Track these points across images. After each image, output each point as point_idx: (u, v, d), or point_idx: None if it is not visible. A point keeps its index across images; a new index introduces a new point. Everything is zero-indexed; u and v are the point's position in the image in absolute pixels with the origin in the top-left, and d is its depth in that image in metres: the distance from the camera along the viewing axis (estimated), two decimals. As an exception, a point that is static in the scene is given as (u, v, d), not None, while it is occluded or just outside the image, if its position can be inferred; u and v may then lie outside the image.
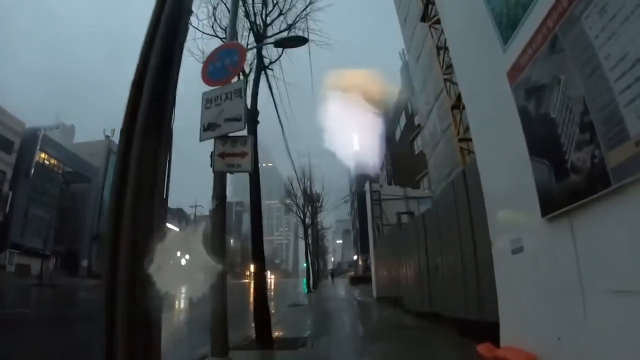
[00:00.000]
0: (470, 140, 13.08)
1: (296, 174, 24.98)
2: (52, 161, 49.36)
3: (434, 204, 8.30)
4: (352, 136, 68.01)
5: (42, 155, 47.66)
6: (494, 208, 4.61)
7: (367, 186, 20.84)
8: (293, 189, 29.79)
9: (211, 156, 5.01)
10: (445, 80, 14.26)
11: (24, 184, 44.08)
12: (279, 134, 17.65)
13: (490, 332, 4.63)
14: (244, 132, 5.13)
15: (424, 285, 9.14)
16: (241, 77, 6.57)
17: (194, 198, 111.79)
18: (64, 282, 36.48)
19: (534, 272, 3.75)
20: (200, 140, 5.01)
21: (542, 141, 3.34)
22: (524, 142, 3.60)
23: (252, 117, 7.72)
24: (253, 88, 8.13)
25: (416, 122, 32.72)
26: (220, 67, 5.39)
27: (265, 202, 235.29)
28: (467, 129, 12.81)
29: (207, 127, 5.00)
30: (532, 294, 3.79)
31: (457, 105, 13.28)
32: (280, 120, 12.10)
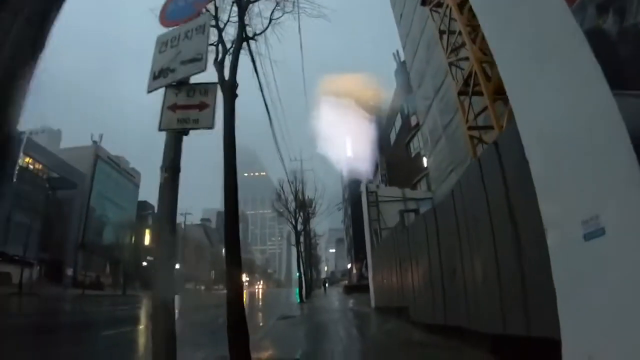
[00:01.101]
0: (482, 128, 11.96)
1: (287, 175, 23.61)
2: (37, 166, 47.61)
3: (449, 194, 6.94)
4: (345, 142, 67.07)
5: (27, 159, 45.94)
6: (547, 180, 3.21)
7: (362, 187, 19.45)
8: (284, 192, 28.46)
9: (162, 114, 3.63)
10: (451, 64, 13.02)
11: (6, 189, 42.33)
12: (270, 142, 16.74)
13: (539, 350, 3.26)
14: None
15: (436, 293, 7.75)
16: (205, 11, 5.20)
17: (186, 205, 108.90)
18: (46, 291, 34.89)
19: (622, 263, 2.38)
20: (148, 91, 3.67)
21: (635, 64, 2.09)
22: (597, 75, 2.62)
23: (230, 88, 6.41)
24: (232, 60, 6.83)
25: (412, 123, 31.54)
26: (183, 5, 4.14)
27: (258, 212, 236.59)
28: (477, 115, 11.59)
29: (159, 74, 3.67)
30: (619, 296, 2.42)
31: (465, 91, 12.04)
32: (266, 105, 10.73)
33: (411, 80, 21.39)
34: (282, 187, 28.57)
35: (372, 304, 16.59)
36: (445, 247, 7.37)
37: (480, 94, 11.23)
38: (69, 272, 48.46)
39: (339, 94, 77.12)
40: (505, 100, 10.23)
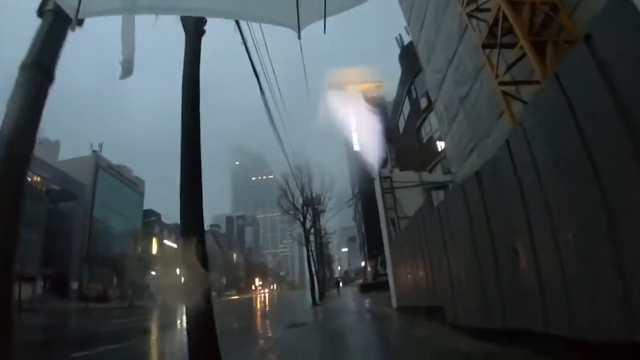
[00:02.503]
0: (517, 83, 9.99)
1: (291, 168, 21.48)
2: (36, 178, 46.06)
3: (503, 145, 4.88)
4: (351, 136, 65.07)
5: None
6: None
7: (375, 173, 17.41)
8: (289, 188, 26.32)
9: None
10: (470, 15, 11.04)
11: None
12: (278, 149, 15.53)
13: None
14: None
15: (489, 287, 5.75)
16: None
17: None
18: (48, 306, 33.53)
19: None
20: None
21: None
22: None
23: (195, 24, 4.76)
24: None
25: (422, 106, 29.61)
26: None
27: (268, 215, 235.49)
28: (511, 67, 9.54)
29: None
30: None
31: (489, 43, 10.05)
32: (256, 74, 8.88)
33: (419, 55, 19.51)
34: (287, 183, 26.51)
35: (394, 303, 14.53)
36: (499, 221, 5.36)
37: (508, 46, 9.46)
38: (74, 285, 47.13)
39: (343, 88, 75.39)
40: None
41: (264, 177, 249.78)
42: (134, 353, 9.46)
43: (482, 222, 5.84)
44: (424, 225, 9.11)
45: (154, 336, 13.10)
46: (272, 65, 13.52)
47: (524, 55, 9.10)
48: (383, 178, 16.45)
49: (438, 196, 10.52)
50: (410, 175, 17.24)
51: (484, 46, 10.42)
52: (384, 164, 42.71)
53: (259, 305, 34.45)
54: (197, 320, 4.36)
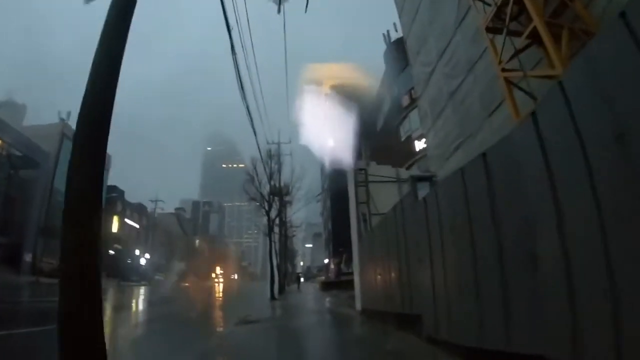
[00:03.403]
0: (516, 72, 9.00)
1: (260, 153, 19.99)
2: (-1, 142, 43.26)
3: (530, 120, 3.71)
4: (325, 130, 63.93)
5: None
6: None
7: (349, 164, 16.19)
8: (257, 174, 24.79)
9: None
10: (474, -1, 10.00)
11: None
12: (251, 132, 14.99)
13: None
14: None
15: (489, 298, 4.60)
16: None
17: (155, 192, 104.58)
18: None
19: None
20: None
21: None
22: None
23: None
24: None
25: (404, 103, 28.75)
26: None
27: (235, 204, 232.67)
28: (518, 53, 8.46)
29: None
30: None
31: (495, 27, 9.02)
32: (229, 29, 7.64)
33: (408, 49, 18.65)
34: (255, 168, 24.96)
35: (358, 305, 13.33)
36: (511, 215, 4.21)
37: (514, 33, 8.48)
38: (28, 257, 44.40)
39: (322, 81, 74.31)
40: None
41: (235, 166, 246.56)
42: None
43: (485, 216, 4.67)
44: (404, 220, 7.93)
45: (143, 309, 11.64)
46: (252, 41, 12.68)
47: (531, 43, 8.18)
48: (358, 170, 15.27)
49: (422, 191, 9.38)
50: (387, 170, 16.12)
51: (488, 30, 9.40)
52: (357, 160, 41.72)
53: (215, 294, 33.00)
54: (75, 316, 3.02)
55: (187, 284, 64.26)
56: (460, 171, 5.55)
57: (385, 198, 14.69)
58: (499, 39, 8.94)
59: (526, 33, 7.89)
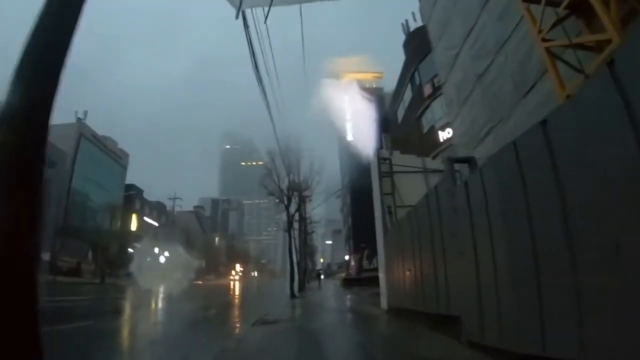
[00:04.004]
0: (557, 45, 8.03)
1: (278, 143, 19.07)
2: (13, 142, 43.29)
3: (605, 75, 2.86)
4: (345, 125, 63.01)
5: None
6: None
7: (373, 153, 15.24)
8: (275, 168, 23.88)
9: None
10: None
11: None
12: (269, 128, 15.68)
13: None
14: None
15: (555, 297, 3.74)
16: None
17: (174, 190, 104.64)
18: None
19: None
20: None
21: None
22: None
23: None
24: None
25: (426, 93, 27.67)
26: None
27: (254, 202, 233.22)
28: (561, 21, 7.46)
29: None
30: None
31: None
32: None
33: (430, 33, 17.72)
34: (273, 161, 24.03)
35: (384, 303, 12.43)
36: (584, 198, 3.33)
37: (553, 3, 7.55)
38: (46, 257, 44.42)
39: (341, 76, 73.45)
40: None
41: (253, 163, 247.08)
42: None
43: (549, 198, 3.78)
44: (439, 209, 7.02)
45: (109, 319, 10.96)
46: (270, 42, 12.21)
47: (569, 14, 7.28)
48: (381, 159, 14.34)
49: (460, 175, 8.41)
50: (412, 160, 15.15)
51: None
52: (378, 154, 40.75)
53: (233, 293, 32.38)
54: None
55: (206, 282, 64.04)
56: (512, 145, 4.64)
57: (412, 189, 13.80)
58: (535, 9, 8.03)
59: (567, 1, 6.96)
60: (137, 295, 24.29)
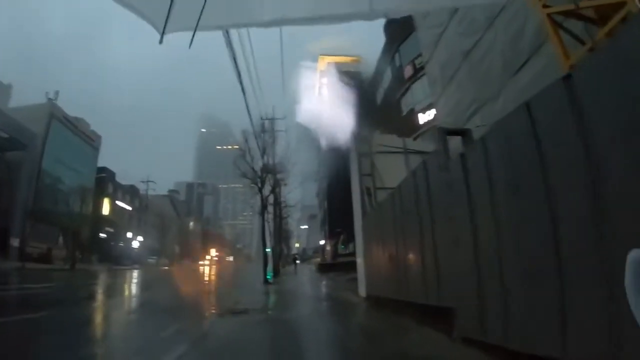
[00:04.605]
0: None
1: (252, 125, 17.96)
2: (-22, 123, 41.12)
3: None
4: (322, 106, 62.09)
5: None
6: None
7: (351, 132, 14.40)
8: (249, 149, 22.75)
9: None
10: None
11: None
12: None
13: None
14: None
15: (582, 287, 3.00)
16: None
17: (146, 173, 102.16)
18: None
19: None
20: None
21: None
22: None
23: None
24: None
25: (407, 75, 26.96)
26: None
27: (230, 186, 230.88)
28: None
29: None
30: None
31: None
32: None
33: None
34: (246, 141, 22.89)
35: (363, 291, 11.70)
36: (620, 164, 2.58)
37: None
38: (15, 243, 42.59)
39: (319, 58, 72.26)
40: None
41: (229, 147, 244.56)
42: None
43: (576, 167, 3.03)
44: (428, 188, 6.24)
45: (67, 308, 9.99)
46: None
47: None
48: (361, 139, 13.54)
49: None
50: (393, 140, 14.38)
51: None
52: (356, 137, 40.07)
53: (206, 278, 31.42)
54: None
55: (179, 267, 62.82)
56: (523, 108, 3.86)
57: (392, 171, 13.09)
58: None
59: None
60: (106, 282, 23.19)
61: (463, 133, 6.12)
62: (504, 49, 9.58)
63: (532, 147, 3.63)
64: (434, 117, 22.85)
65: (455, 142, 6.35)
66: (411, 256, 7.10)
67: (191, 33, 4.19)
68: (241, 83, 13.58)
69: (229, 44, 11.61)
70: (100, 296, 14.34)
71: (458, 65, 12.26)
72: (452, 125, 12.68)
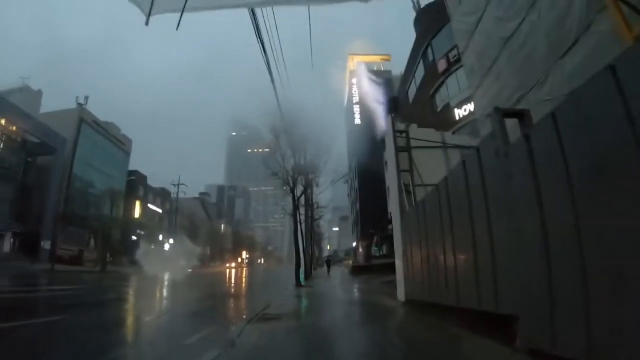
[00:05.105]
0: None
1: (280, 112, 17.20)
2: (12, 128, 42.02)
3: None
4: (354, 105, 61.51)
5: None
6: None
7: (387, 124, 13.57)
8: (280, 147, 22.04)
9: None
10: None
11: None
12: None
13: None
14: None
15: None
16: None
17: (175, 174, 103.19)
18: (12, 265, 31.33)
19: None
20: None
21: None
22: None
23: None
24: None
25: (440, 68, 26.02)
26: None
27: (260, 188, 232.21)
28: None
29: None
30: None
31: None
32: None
33: (447, 2, 16.16)
34: (276, 138, 22.18)
35: (401, 295, 10.91)
36: None
37: None
38: (46, 245, 43.52)
39: (349, 58, 71.81)
40: None
41: (260, 150, 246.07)
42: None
43: None
44: (482, 177, 5.50)
45: (86, 311, 9.64)
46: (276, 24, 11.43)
47: None
48: (398, 132, 12.75)
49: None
50: (430, 134, 13.56)
51: None
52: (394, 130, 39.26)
53: (237, 280, 31.04)
54: None
55: (210, 269, 62.96)
56: (607, 72, 3.10)
57: (431, 167, 12.31)
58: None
59: None
60: (134, 283, 23.04)
61: (521, 115, 5.36)
62: (548, 30, 8.74)
63: (621, 118, 2.88)
64: (474, 109, 21.88)
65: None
66: (461, 256, 6.34)
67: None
68: (270, 71, 13.06)
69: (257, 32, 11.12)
70: (126, 298, 14.02)
71: (497, 53, 11.41)
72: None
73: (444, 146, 13.18)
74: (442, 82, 26.08)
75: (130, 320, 9.09)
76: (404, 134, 12.71)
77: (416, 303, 9.48)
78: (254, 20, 10.30)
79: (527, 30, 9.63)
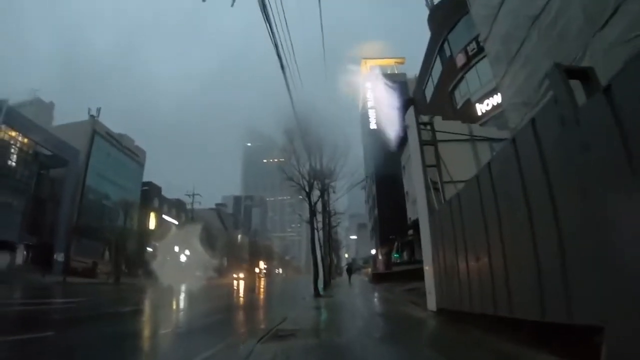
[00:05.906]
0: None
1: (295, 113, 16.05)
2: (24, 140, 41.85)
3: None
4: (368, 112, 60.36)
5: (11, 132, 40.15)
6: None
7: (409, 116, 12.40)
8: (295, 150, 20.91)
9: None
10: None
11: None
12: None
13: None
14: None
15: None
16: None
17: (192, 186, 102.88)
18: (17, 277, 30.08)
19: None
20: None
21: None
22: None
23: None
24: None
25: (459, 63, 24.91)
26: None
27: (277, 198, 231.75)
28: None
29: None
30: None
31: None
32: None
33: None
34: (291, 142, 21.05)
35: (432, 304, 9.73)
36: None
37: None
38: (60, 257, 43.20)
39: (362, 61, 70.86)
40: None
41: (276, 160, 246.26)
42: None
43: None
44: (542, 158, 4.40)
45: (80, 327, 8.73)
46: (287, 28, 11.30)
47: None
48: (422, 124, 11.62)
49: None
50: (457, 126, 12.43)
51: None
52: (403, 141, 38.08)
53: (253, 291, 30.04)
54: None
55: (227, 280, 62.17)
56: None
57: (458, 162, 11.22)
58: None
59: None
60: (147, 295, 22.26)
61: (585, 75, 4.25)
62: (584, 1, 7.66)
63: None
64: (492, 107, 20.82)
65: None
66: (513, 258, 5.22)
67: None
68: (283, 70, 12.21)
69: (269, 31, 10.35)
70: (128, 312, 13.08)
71: (525, 34, 10.23)
72: (524, 104, 10.62)
73: (472, 139, 12.07)
74: (462, 78, 24.95)
75: (129, 335, 8.09)
76: (428, 127, 11.59)
77: (450, 313, 8.33)
78: (266, 20, 9.78)
79: (559, 4, 8.55)
